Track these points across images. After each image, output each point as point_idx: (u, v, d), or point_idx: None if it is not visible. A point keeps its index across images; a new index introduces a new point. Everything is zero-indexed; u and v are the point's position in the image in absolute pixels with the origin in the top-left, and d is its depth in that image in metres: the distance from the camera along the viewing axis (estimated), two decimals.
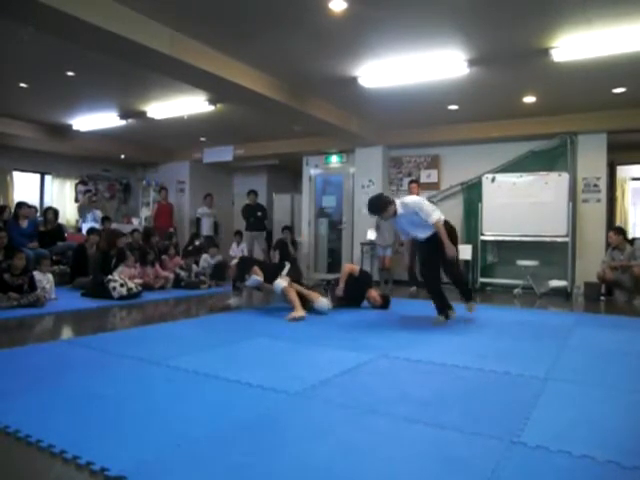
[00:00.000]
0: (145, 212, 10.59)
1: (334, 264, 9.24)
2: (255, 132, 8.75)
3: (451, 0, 3.90)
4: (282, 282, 4.89)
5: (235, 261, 5.41)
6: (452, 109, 6.93)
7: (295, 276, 5.17)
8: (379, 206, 4.28)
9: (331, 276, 6.87)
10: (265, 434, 1.92)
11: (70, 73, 5.78)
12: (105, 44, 4.33)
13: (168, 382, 2.58)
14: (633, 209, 9.95)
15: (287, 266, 5.29)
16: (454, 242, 4.25)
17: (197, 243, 8.69)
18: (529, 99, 6.40)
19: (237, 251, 9.01)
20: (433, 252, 4.21)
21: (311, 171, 9.57)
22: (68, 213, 10.12)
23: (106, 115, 7.75)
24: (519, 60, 5.07)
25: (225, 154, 9.94)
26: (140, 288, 5.99)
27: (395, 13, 4.12)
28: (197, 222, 10.08)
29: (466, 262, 7.56)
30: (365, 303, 5.51)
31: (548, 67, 5.15)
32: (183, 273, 7.14)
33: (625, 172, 9.11)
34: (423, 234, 4.27)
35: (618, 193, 9.06)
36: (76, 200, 10.15)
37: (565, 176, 7.05)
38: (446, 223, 4.28)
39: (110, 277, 5.86)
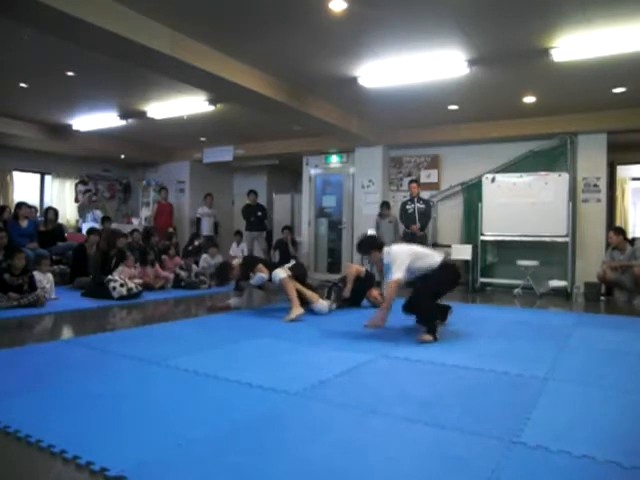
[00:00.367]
0: (145, 212, 10.58)
1: (334, 264, 9.24)
2: (255, 132, 8.75)
3: (451, 0, 3.91)
4: (281, 272, 4.80)
5: (237, 261, 5.39)
6: (452, 109, 6.93)
7: (299, 274, 5.08)
8: (365, 248, 4.18)
9: (331, 276, 6.88)
10: (265, 434, 1.92)
11: (70, 73, 5.78)
12: (105, 44, 4.33)
13: (168, 382, 2.58)
14: (633, 209, 9.95)
15: (292, 262, 5.31)
16: (453, 283, 4.02)
17: (197, 243, 8.69)
18: (529, 99, 6.40)
19: (237, 251, 9.01)
20: (420, 285, 3.94)
21: (311, 171, 9.57)
22: (68, 213, 10.12)
23: (106, 115, 7.75)
24: (519, 60, 5.07)
25: (225, 154, 9.94)
26: (140, 288, 5.99)
27: (395, 13, 4.12)
28: (197, 222, 10.08)
29: (466, 262, 7.57)
30: (365, 302, 5.51)
31: (548, 67, 5.15)
32: (183, 273, 7.14)
33: (625, 172, 9.11)
34: (408, 279, 3.97)
35: (618, 193, 9.06)
36: (76, 200, 10.15)
37: (565, 176, 7.05)
38: (448, 266, 3.95)
39: (110, 277, 5.86)
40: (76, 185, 10.23)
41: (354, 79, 5.74)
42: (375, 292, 5.45)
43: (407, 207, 7.52)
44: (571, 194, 7.05)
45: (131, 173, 11.53)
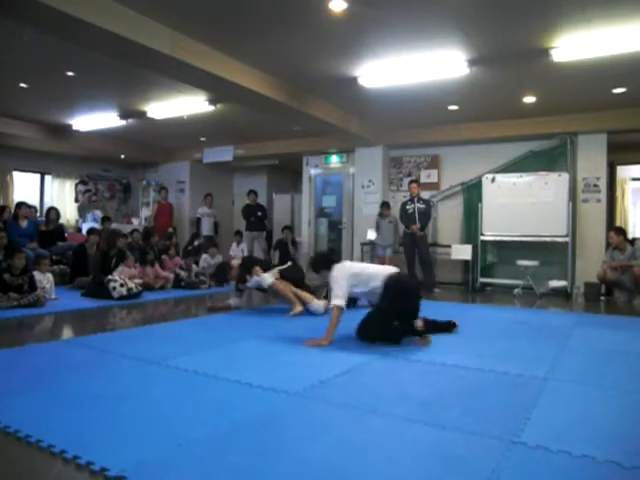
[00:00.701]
0: (145, 212, 10.58)
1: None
2: (255, 132, 8.75)
3: (451, 0, 3.91)
4: (268, 278, 4.83)
5: (236, 261, 5.38)
6: (452, 109, 6.93)
7: (294, 277, 5.07)
8: (314, 267, 3.99)
9: None
10: (265, 434, 1.92)
11: (70, 73, 5.78)
12: (105, 44, 4.33)
13: (168, 382, 2.58)
14: (633, 209, 9.95)
15: (287, 264, 5.30)
16: (406, 299, 3.58)
17: (197, 243, 8.69)
18: (529, 99, 6.40)
19: (237, 251, 9.01)
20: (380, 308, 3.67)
21: (311, 171, 9.57)
22: (68, 213, 10.12)
23: (106, 115, 7.75)
24: (519, 60, 5.07)
25: (225, 154, 9.94)
26: (140, 288, 5.99)
27: (395, 13, 4.13)
28: (197, 222, 10.08)
29: (466, 262, 7.57)
30: (364, 301, 5.50)
31: (548, 67, 5.15)
32: (183, 273, 7.14)
33: (625, 172, 9.11)
34: (364, 296, 3.83)
35: (618, 193, 9.06)
36: (76, 200, 10.15)
37: (565, 176, 7.05)
38: (393, 284, 3.55)
39: (110, 277, 5.86)
40: (76, 185, 10.22)
41: (354, 79, 5.74)
42: None
43: (407, 207, 7.52)
44: (571, 194, 7.05)
45: (131, 173, 11.53)
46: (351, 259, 8.53)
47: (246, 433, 1.92)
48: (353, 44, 4.81)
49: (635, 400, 2.42)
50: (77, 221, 9.98)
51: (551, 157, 7.45)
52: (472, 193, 7.91)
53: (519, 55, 4.94)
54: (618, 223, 8.42)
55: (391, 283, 3.53)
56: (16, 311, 4.70)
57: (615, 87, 5.82)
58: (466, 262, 7.57)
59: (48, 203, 9.62)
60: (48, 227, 7.49)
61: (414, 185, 7.58)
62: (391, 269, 3.74)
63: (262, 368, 2.86)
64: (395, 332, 3.55)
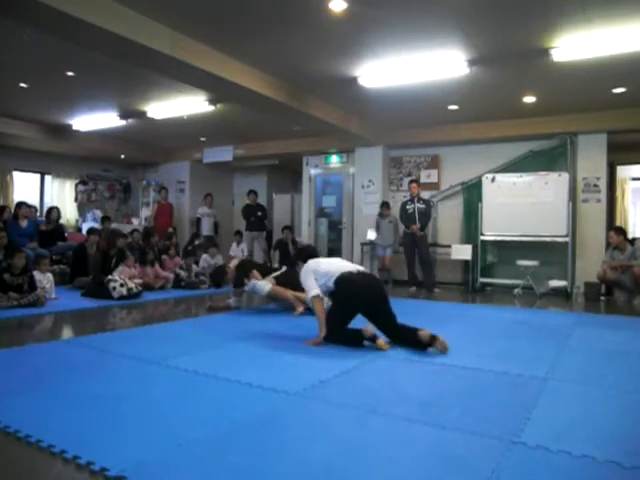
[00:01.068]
0: (145, 212, 10.59)
1: None
2: (255, 132, 8.75)
3: (451, 0, 3.91)
4: (265, 285, 4.80)
5: (234, 262, 5.37)
6: (452, 109, 6.93)
7: (290, 282, 4.89)
8: (297, 253, 4.09)
9: None
10: (265, 434, 1.92)
11: (70, 73, 5.78)
12: (105, 44, 4.33)
13: (168, 382, 2.58)
14: (633, 209, 9.95)
15: (282, 270, 5.25)
16: (354, 298, 3.49)
17: (197, 243, 8.69)
18: (529, 99, 6.40)
19: (237, 251, 9.01)
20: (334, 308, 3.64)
21: (311, 171, 9.57)
22: (68, 213, 10.12)
23: (106, 115, 7.75)
24: (519, 60, 5.07)
25: (225, 154, 9.94)
26: (140, 288, 5.99)
27: (395, 13, 4.13)
28: (197, 222, 10.08)
29: (466, 262, 7.57)
30: None
31: (548, 67, 5.15)
32: (183, 273, 7.14)
33: (625, 172, 9.11)
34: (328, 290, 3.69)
35: (618, 193, 9.06)
36: (76, 200, 10.15)
37: (565, 176, 7.05)
38: (345, 280, 3.49)
39: (110, 277, 5.86)
40: (76, 185, 10.23)
41: (354, 79, 5.74)
42: None
43: (407, 207, 7.52)
44: (571, 194, 7.05)
45: (131, 173, 11.53)
46: (351, 259, 8.53)
47: (246, 433, 1.92)
48: (353, 44, 4.81)
49: (635, 400, 2.42)
50: (77, 221, 9.99)
51: (551, 157, 7.45)
52: (472, 193, 7.91)
53: (519, 55, 4.94)
54: (618, 223, 8.42)
55: (339, 282, 3.51)
56: (16, 311, 4.69)
57: (615, 87, 5.82)
58: (466, 262, 7.57)
59: (48, 203, 9.62)
60: (48, 227, 7.49)
61: (414, 185, 7.58)
62: (356, 267, 3.68)
63: (262, 368, 2.86)
64: (349, 333, 3.48)
